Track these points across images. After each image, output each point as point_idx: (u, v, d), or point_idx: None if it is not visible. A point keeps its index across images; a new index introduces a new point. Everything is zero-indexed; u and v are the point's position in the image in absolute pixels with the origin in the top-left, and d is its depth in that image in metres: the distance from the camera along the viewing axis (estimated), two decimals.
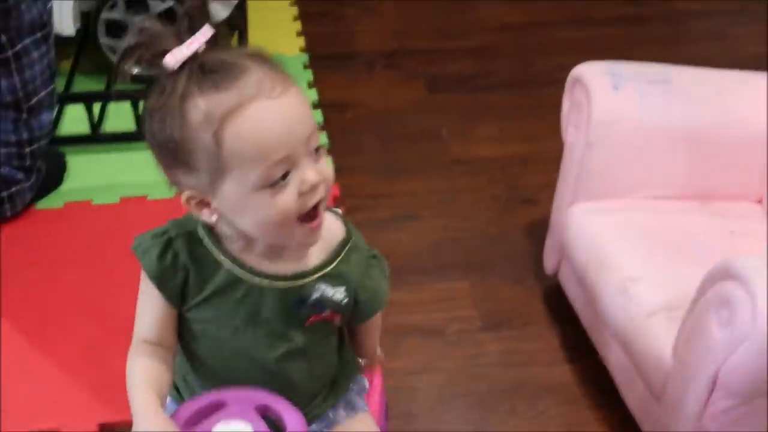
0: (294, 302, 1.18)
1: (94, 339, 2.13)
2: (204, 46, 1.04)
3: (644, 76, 2.13)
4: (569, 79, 2.17)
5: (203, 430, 1.08)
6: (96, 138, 2.81)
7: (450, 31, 3.55)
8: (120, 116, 2.84)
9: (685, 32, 3.55)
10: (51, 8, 2.33)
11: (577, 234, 2.10)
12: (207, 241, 1.15)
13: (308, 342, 1.22)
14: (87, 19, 3.02)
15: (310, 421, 1.27)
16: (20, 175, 2.46)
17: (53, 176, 2.63)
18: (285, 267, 1.17)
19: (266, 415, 1.11)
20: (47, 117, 2.43)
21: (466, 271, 2.41)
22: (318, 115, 2.98)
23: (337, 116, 3.00)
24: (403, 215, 2.61)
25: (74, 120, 2.86)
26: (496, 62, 3.32)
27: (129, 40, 1.05)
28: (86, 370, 2.06)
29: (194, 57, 1.03)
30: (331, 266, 1.19)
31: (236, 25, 3.23)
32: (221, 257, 1.15)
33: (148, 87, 1.06)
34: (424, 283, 2.38)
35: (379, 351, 1.44)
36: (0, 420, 1.94)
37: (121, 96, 2.86)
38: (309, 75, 3.20)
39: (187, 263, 1.15)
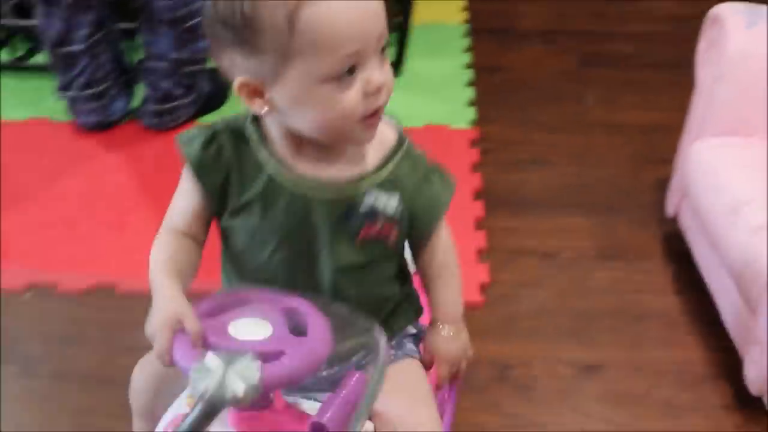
0: (344, 212, 1.09)
1: None
2: None
3: None
4: (707, 18, 2.20)
5: (220, 322, 0.98)
6: None
7: (612, 18, 3.60)
8: None
9: None
10: None
11: (698, 166, 2.11)
12: (254, 139, 1.08)
13: (359, 262, 1.13)
14: None
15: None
16: (179, 91, 2.71)
17: (216, 98, 2.86)
18: (335, 173, 1.09)
19: (295, 321, 1.00)
20: (203, 44, 2.65)
21: (589, 211, 2.45)
22: (469, 74, 3.10)
23: (487, 77, 3.12)
24: (537, 159, 2.68)
25: None
26: (653, 46, 3.34)
27: None
28: None
29: None
30: (384, 170, 1.10)
31: None
32: (266, 158, 1.08)
33: None
34: (546, 216, 2.43)
35: (470, 351, 1.29)
36: None
37: None
38: (466, 42, 3.33)
39: (231, 159, 1.08)
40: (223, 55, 1.02)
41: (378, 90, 1.00)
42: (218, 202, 1.11)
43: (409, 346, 1.25)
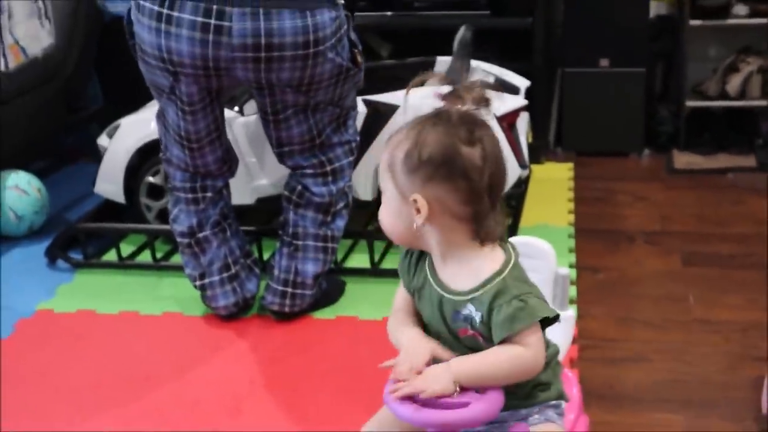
0: (453, 312, 1.50)
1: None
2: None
3: None
4: None
5: None
6: (374, 272, 3.29)
7: (716, 219, 3.73)
8: (397, 257, 3.31)
9: None
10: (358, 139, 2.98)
11: None
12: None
13: (463, 351, 1.50)
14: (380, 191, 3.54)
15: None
16: (309, 281, 2.96)
17: (332, 295, 3.11)
18: (453, 285, 1.51)
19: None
20: (341, 222, 2.97)
21: (683, 407, 2.49)
22: (572, 274, 3.24)
23: (590, 275, 3.26)
24: (635, 357, 2.76)
25: (361, 258, 3.39)
26: (758, 246, 3.42)
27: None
28: None
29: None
30: (479, 291, 1.47)
31: (514, 197, 3.62)
32: (425, 267, 1.55)
33: None
34: (640, 411, 2.49)
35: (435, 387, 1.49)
36: None
37: None
38: (571, 242, 3.49)
39: (413, 265, 1.58)
40: None
41: None
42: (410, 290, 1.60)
43: (551, 413, 1.59)
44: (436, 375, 1.45)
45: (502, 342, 1.45)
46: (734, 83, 4.40)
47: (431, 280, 1.53)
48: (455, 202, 1.45)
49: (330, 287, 3.10)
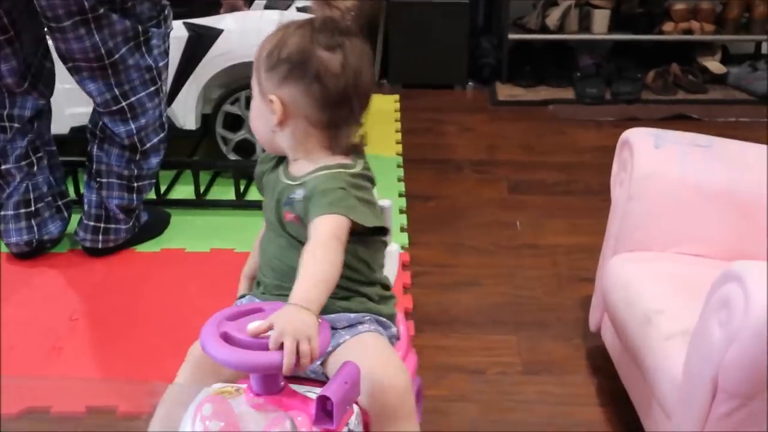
0: (285, 197, 1.48)
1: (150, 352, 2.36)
2: None
3: (686, 140, 2.29)
4: (619, 142, 2.35)
5: (241, 323, 1.28)
6: (200, 203, 3.14)
7: (540, 149, 3.80)
8: (223, 187, 3.20)
9: None
10: (164, 65, 2.72)
11: (613, 280, 2.20)
12: None
13: (286, 240, 1.49)
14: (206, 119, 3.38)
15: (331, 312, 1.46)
16: (121, 216, 2.78)
17: (155, 228, 2.95)
18: (295, 173, 1.49)
19: None
20: (155, 160, 2.79)
21: (517, 328, 2.53)
22: (402, 202, 3.22)
23: (420, 205, 3.24)
24: (466, 281, 2.77)
25: (185, 189, 3.23)
26: (580, 174, 3.51)
27: None
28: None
29: None
30: (308, 177, 1.45)
31: None
32: (281, 165, 1.54)
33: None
34: (474, 334, 2.51)
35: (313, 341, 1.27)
36: None
37: (222, 168, 3.24)
38: (400, 172, 3.47)
39: (273, 160, 1.56)
40: None
41: None
42: None
43: (381, 329, 1.52)
44: (299, 319, 1.24)
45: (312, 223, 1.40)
46: (553, 17, 4.48)
47: (281, 173, 1.51)
48: (309, 106, 1.43)
49: (153, 219, 2.94)
